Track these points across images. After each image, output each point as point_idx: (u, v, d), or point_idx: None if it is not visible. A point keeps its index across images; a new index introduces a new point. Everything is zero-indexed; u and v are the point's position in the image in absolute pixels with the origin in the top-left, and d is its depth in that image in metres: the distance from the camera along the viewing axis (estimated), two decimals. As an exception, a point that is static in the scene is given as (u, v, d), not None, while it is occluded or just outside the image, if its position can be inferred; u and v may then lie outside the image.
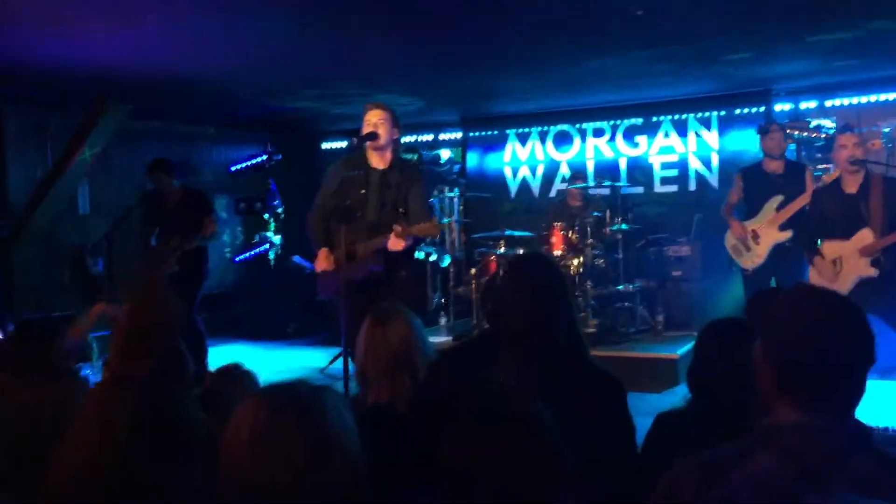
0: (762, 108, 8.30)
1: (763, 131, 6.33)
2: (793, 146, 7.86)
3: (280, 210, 10.07)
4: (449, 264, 8.49)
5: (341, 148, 10.90)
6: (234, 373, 2.79)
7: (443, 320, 8.20)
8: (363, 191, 4.72)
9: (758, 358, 1.66)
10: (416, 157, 9.14)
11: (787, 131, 6.30)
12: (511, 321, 2.43)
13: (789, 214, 6.05)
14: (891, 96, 7.79)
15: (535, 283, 2.48)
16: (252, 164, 10.28)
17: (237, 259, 10.09)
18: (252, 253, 10.07)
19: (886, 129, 7.63)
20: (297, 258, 9.31)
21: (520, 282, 2.53)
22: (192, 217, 6.50)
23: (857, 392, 1.60)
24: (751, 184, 6.43)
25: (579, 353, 2.48)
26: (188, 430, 1.82)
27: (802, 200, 5.94)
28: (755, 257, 6.29)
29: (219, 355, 7.80)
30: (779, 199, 6.14)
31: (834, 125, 7.62)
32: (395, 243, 4.47)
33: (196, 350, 6.26)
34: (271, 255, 9.88)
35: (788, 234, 6.10)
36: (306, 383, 1.62)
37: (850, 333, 1.59)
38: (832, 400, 1.58)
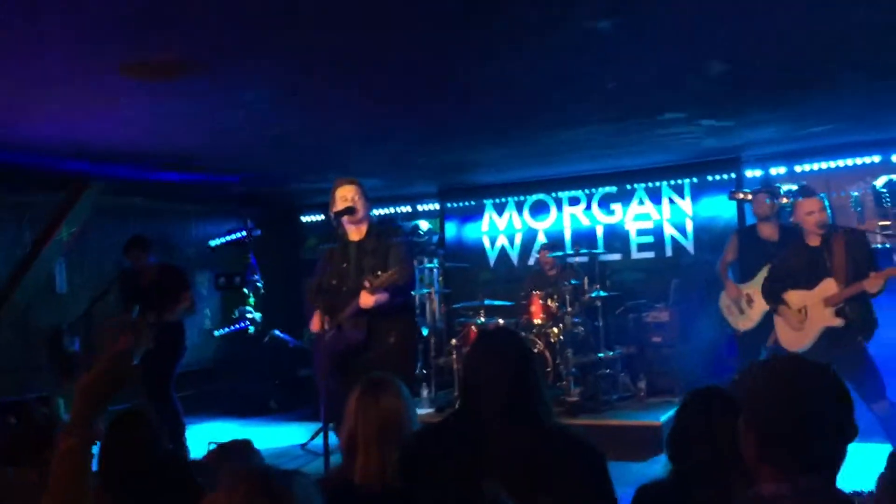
0: (733, 175, 8.49)
1: (732, 198, 6.44)
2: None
3: (260, 284, 10.05)
4: (428, 334, 8.47)
5: (321, 221, 10.98)
6: (237, 448, 2.77)
7: (424, 392, 8.16)
8: (344, 264, 4.78)
9: (742, 427, 1.68)
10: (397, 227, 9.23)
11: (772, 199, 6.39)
12: (483, 398, 2.45)
13: None
14: (858, 161, 8.00)
15: (503, 358, 2.50)
16: (232, 239, 10.30)
17: (216, 333, 10.00)
18: (231, 328, 10.00)
19: (855, 194, 7.80)
20: (277, 332, 9.27)
21: (487, 358, 2.55)
22: (169, 293, 6.50)
23: (837, 461, 1.62)
24: (745, 247, 6.54)
25: (554, 423, 2.49)
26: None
27: None
28: (748, 320, 6.36)
29: (199, 432, 7.69)
30: None
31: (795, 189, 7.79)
32: (366, 299, 4.51)
33: (173, 428, 6.17)
34: (251, 330, 9.81)
35: None
36: (277, 469, 1.65)
37: (830, 404, 1.62)
38: (814, 470, 1.59)
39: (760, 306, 6.22)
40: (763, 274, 6.24)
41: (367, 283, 4.48)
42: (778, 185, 8.18)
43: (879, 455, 4.77)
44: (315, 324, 4.78)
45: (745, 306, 6.40)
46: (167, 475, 2.17)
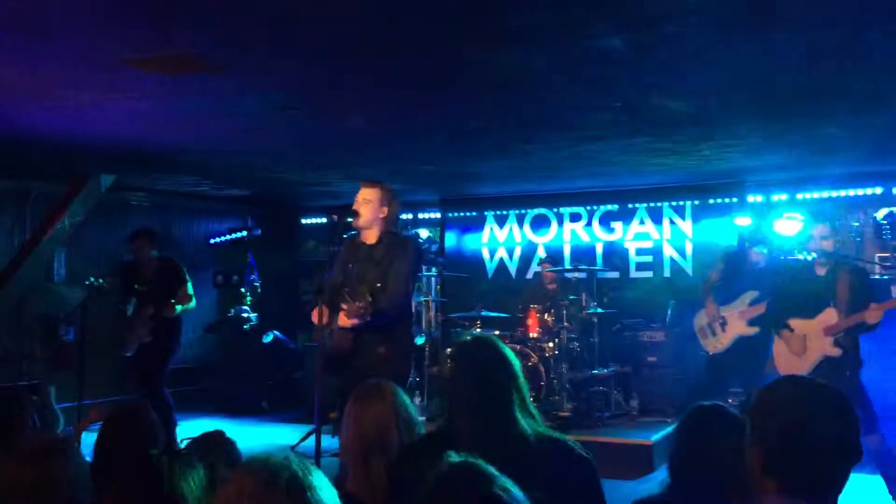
0: (735, 199, 8.52)
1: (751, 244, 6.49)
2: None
3: (257, 284, 10.05)
4: (423, 343, 8.48)
5: (321, 223, 10.99)
6: (215, 440, 2.76)
7: (417, 400, 8.15)
8: (350, 264, 4.74)
9: (749, 440, 1.71)
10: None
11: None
12: (460, 407, 2.44)
13: (760, 311, 6.20)
14: (860, 192, 8.04)
15: (480, 368, 2.48)
16: (231, 238, 10.30)
17: (209, 331, 9.99)
18: (226, 326, 9.98)
19: (855, 224, 7.83)
20: (277, 333, 9.28)
21: (465, 369, 2.53)
22: (167, 288, 6.51)
23: (840, 481, 1.65)
24: (731, 270, 6.59)
25: (538, 431, 2.46)
26: None
27: None
28: (718, 343, 6.46)
29: (190, 429, 7.67)
30: (753, 294, 6.30)
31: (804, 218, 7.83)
32: (343, 320, 4.48)
33: (164, 422, 6.16)
34: (246, 328, 9.80)
35: (755, 329, 6.27)
36: (297, 457, 1.64)
37: (836, 424, 1.66)
38: (816, 488, 1.62)
39: (733, 331, 6.35)
40: (744, 298, 6.33)
41: (345, 306, 4.43)
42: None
43: (871, 486, 4.82)
44: (315, 315, 4.69)
45: (719, 329, 6.49)
46: (163, 469, 2.17)
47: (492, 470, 1.61)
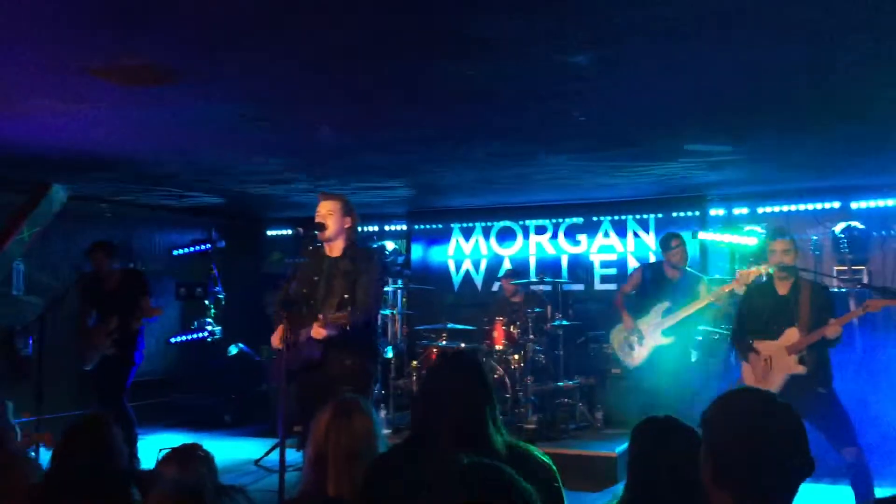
0: (697, 213, 8.64)
1: (665, 246, 6.64)
2: (727, 249, 8.19)
3: (221, 296, 9.94)
4: (390, 356, 8.45)
5: (286, 235, 10.92)
6: (188, 453, 2.74)
7: (383, 412, 8.11)
8: (316, 277, 4.75)
9: (702, 453, 1.73)
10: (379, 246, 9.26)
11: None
12: (439, 421, 2.47)
13: (673, 322, 6.41)
14: (819, 206, 8.22)
15: (460, 381, 2.53)
16: (195, 250, 10.17)
17: (173, 340, 9.83)
18: (188, 337, 9.84)
19: (814, 237, 7.98)
20: (243, 346, 9.18)
21: (445, 380, 2.59)
22: (130, 299, 6.42)
23: (791, 493, 1.67)
24: (648, 282, 6.78)
25: (504, 443, 2.51)
26: None
27: (688, 310, 6.34)
28: (637, 357, 6.60)
29: (152, 443, 7.57)
30: (665, 305, 6.44)
31: (763, 231, 7.98)
32: (317, 331, 4.49)
33: (125, 436, 6.06)
34: (209, 341, 9.68)
35: (670, 339, 6.44)
36: (216, 483, 1.63)
37: (784, 436, 1.68)
38: (767, 500, 1.64)
39: (649, 343, 6.48)
40: (657, 310, 6.46)
41: (320, 317, 4.47)
42: (741, 224, 8.36)
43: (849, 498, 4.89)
44: (275, 339, 4.74)
45: (636, 342, 6.60)
46: (120, 482, 2.14)
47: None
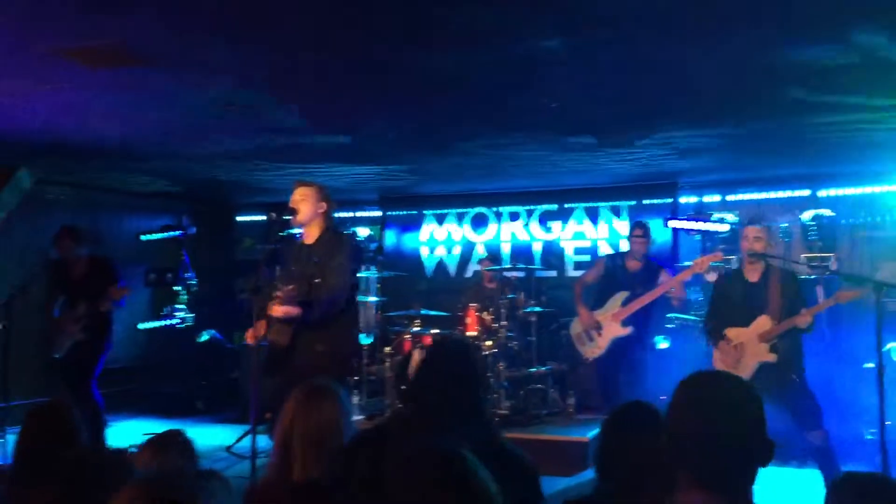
0: (669, 200, 8.70)
1: (628, 236, 6.75)
2: (697, 237, 8.25)
3: (193, 283, 9.82)
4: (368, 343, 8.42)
5: (258, 221, 10.83)
6: (169, 440, 2.72)
7: (355, 399, 8.10)
8: (293, 266, 4.74)
9: (665, 435, 1.75)
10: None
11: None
12: (430, 403, 2.48)
13: (632, 311, 6.49)
14: (788, 194, 8.32)
15: (454, 367, 2.57)
16: (165, 235, 10.02)
17: (140, 326, 9.70)
18: (159, 324, 9.72)
19: (784, 225, 8.07)
20: (215, 333, 9.10)
21: (439, 366, 2.62)
22: (99, 286, 6.33)
23: (750, 476, 1.69)
24: (610, 273, 6.84)
25: (494, 435, 2.53)
26: None
27: (646, 299, 6.43)
28: (595, 348, 6.67)
29: (121, 430, 7.50)
30: (624, 294, 6.51)
31: (736, 219, 8.05)
32: (276, 309, 4.47)
33: (92, 422, 5.99)
34: (181, 327, 9.58)
35: (629, 330, 6.52)
36: (188, 475, 1.62)
37: (742, 421, 1.69)
38: (727, 482, 1.66)
39: (608, 334, 6.59)
40: (616, 299, 6.54)
41: (278, 294, 4.45)
42: (711, 212, 8.43)
43: (818, 481, 4.97)
44: (250, 335, 4.69)
45: (595, 334, 6.67)
46: (84, 469, 2.11)
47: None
